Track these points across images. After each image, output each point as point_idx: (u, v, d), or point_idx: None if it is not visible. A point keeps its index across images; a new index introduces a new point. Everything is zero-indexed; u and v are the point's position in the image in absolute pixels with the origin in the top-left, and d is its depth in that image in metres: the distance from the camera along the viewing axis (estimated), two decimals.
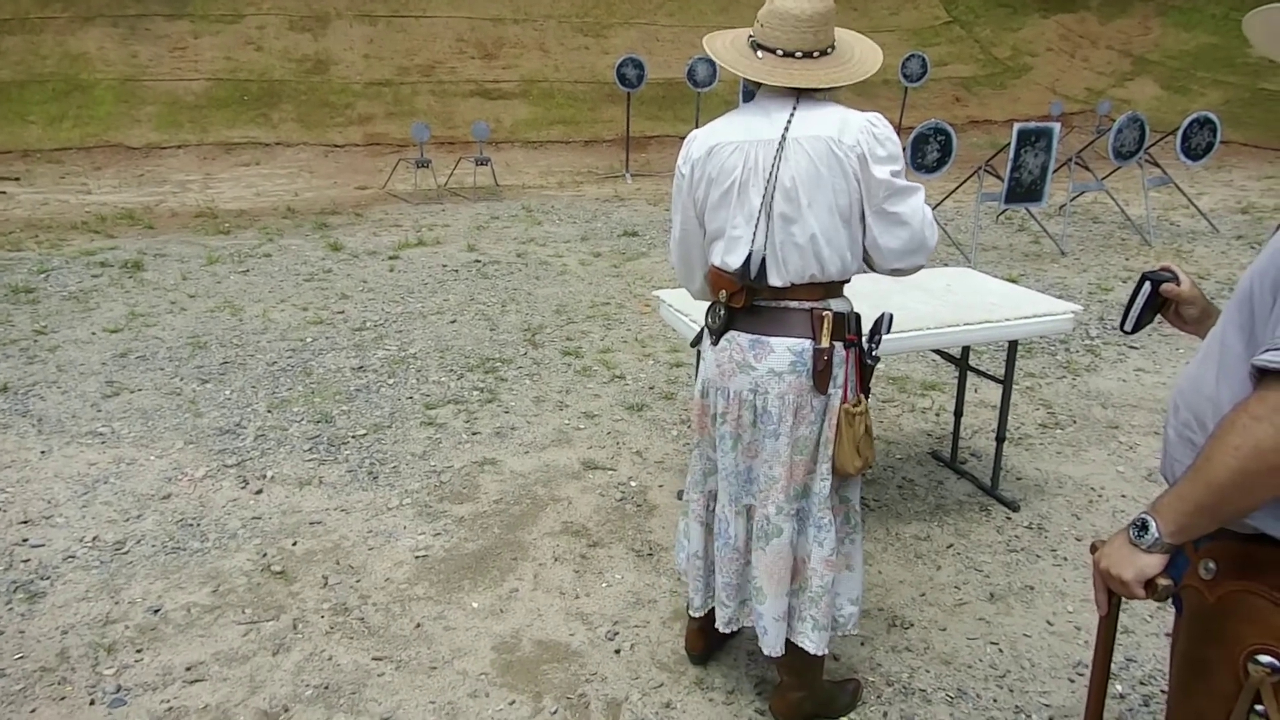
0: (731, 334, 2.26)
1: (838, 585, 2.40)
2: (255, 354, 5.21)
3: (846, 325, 2.23)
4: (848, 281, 2.26)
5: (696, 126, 9.99)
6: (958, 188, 8.93)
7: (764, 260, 2.15)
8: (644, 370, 5.07)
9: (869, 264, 2.28)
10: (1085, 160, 8.70)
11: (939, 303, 3.40)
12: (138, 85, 13.18)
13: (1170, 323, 1.76)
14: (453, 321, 5.86)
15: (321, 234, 8.34)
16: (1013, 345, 3.62)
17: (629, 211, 9.62)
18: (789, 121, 2.11)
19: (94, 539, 3.33)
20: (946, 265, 6.75)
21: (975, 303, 3.42)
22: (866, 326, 2.31)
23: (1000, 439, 3.71)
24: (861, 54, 2.19)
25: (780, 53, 2.12)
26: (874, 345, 2.28)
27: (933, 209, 8.28)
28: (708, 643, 2.71)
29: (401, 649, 2.78)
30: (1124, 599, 1.45)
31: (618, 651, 2.78)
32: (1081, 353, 5.39)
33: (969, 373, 3.94)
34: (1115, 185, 9.32)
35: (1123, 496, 3.75)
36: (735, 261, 2.19)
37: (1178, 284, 1.71)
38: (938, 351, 4.08)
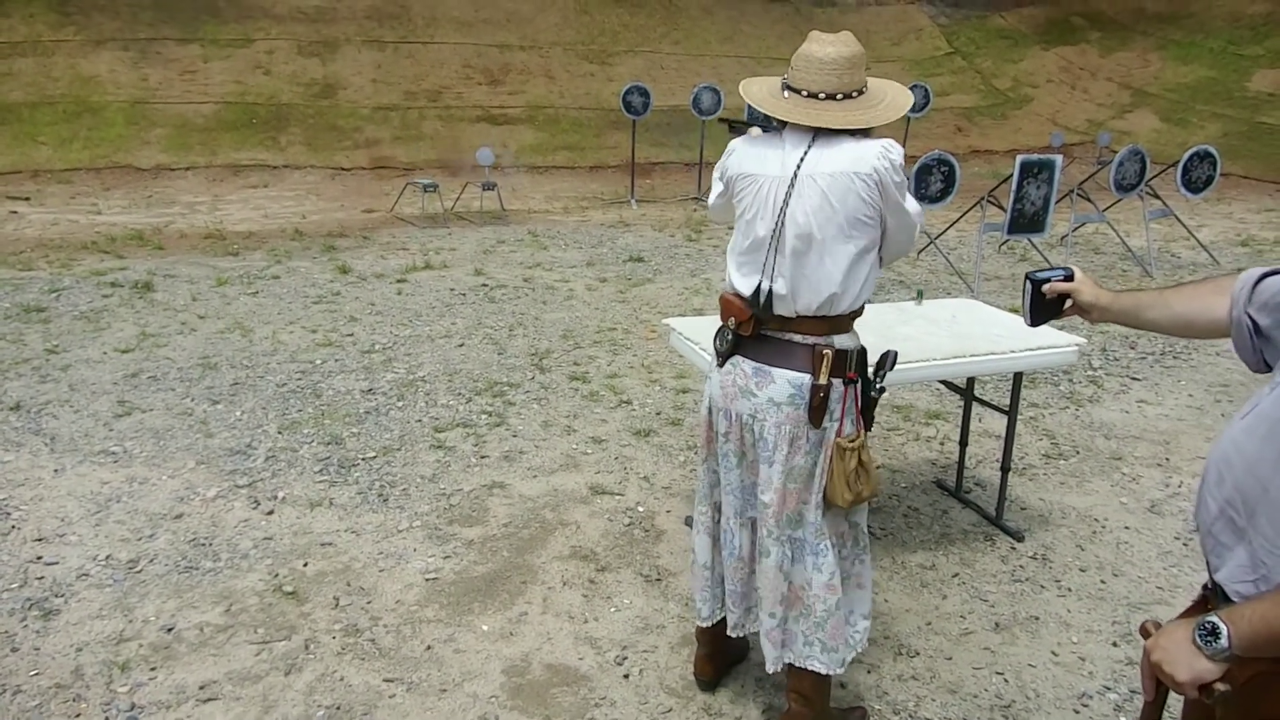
0: (736, 359, 2.34)
1: (851, 603, 2.48)
2: (265, 375, 5.25)
3: (848, 363, 2.28)
4: (857, 315, 2.32)
5: (701, 154, 10.00)
6: (960, 218, 9.02)
7: (771, 293, 2.24)
8: (651, 396, 5.11)
9: None
10: (1087, 192, 8.79)
11: (945, 334, 3.45)
12: (148, 108, 13.31)
13: (1078, 315, 1.78)
14: (460, 345, 5.91)
15: (329, 256, 8.41)
16: (1018, 377, 3.66)
17: (634, 237, 9.70)
18: (802, 159, 2.19)
19: (107, 557, 3.36)
20: (950, 295, 6.81)
21: (981, 334, 3.47)
22: (873, 358, 2.37)
23: (1005, 469, 3.75)
24: (891, 99, 2.26)
25: (805, 93, 2.20)
26: (878, 379, 2.33)
27: (935, 238, 8.32)
28: (716, 668, 2.74)
29: (412, 671, 2.80)
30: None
31: (626, 676, 2.80)
32: (1084, 384, 5.43)
33: (974, 403, 3.98)
34: (1116, 217, 9.40)
35: (1126, 528, 3.78)
36: (746, 289, 2.29)
37: (1067, 281, 1.73)
38: (943, 381, 4.13)
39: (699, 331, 3.32)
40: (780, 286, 2.23)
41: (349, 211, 10.92)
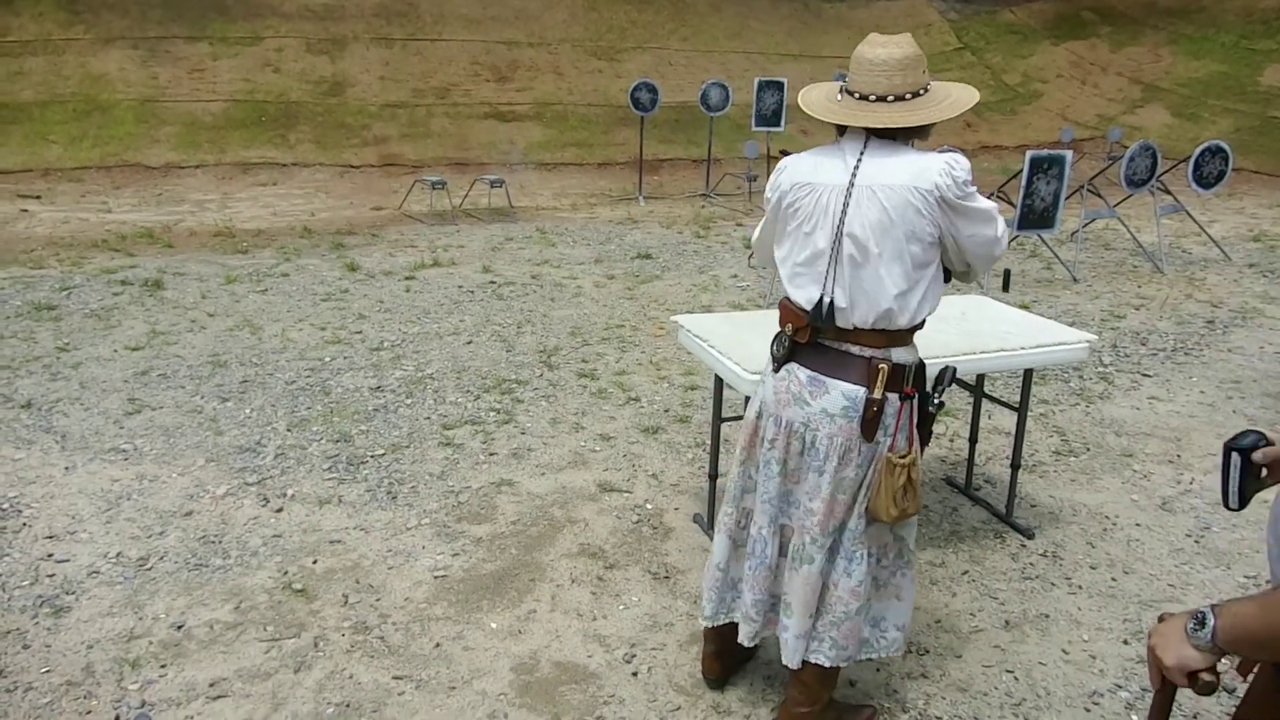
0: (792, 365, 2.31)
1: (885, 611, 2.46)
2: (274, 373, 5.27)
3: (904, 377, 2.24)
4: (919, 328, 2.29)
5: (709, 151, 9.91)
6: None
7: (832, 305, 2.20)
8: (659, 393, 5.10)
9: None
10: (1097, 187, 8.74)
11: (955, 331, 3.44)
12: (157, 106, 13.35)
13: None
14: (469, 342, 5.92)
15: (338, 254, 8.42)
16: (1028, 373, 3.65)
17: (642, 234, 9.69)
18: (857, 165, 2.15)
19: (118, 555, 3.37)
20: (960, 292, 6.78)
21: (991, 331, 3.45)
22: (931, 372, 2.35)
23: (1015, 466, 3.73)
24: (955, 98, 2.21)
25: (857, 96, 2.17)
26: (936, 394, 2.30)
27: None
28: (724, 667, 2.73)
29: (421, 668, 2.81)
30: None
31: (635, 674, 2.80)
32: (1095, 380, 5.40)
33: (984, 400, 3.96)
34: (1127, 212, 9.35)
35: (1137, 525, 3.76)
36: (805, 301, 2.25)
37: (1268, 444, 1.44)
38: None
39: (707, 328, 3.31)
40: (840, 298, 2.20)
41: (357, 209, 10.93)
